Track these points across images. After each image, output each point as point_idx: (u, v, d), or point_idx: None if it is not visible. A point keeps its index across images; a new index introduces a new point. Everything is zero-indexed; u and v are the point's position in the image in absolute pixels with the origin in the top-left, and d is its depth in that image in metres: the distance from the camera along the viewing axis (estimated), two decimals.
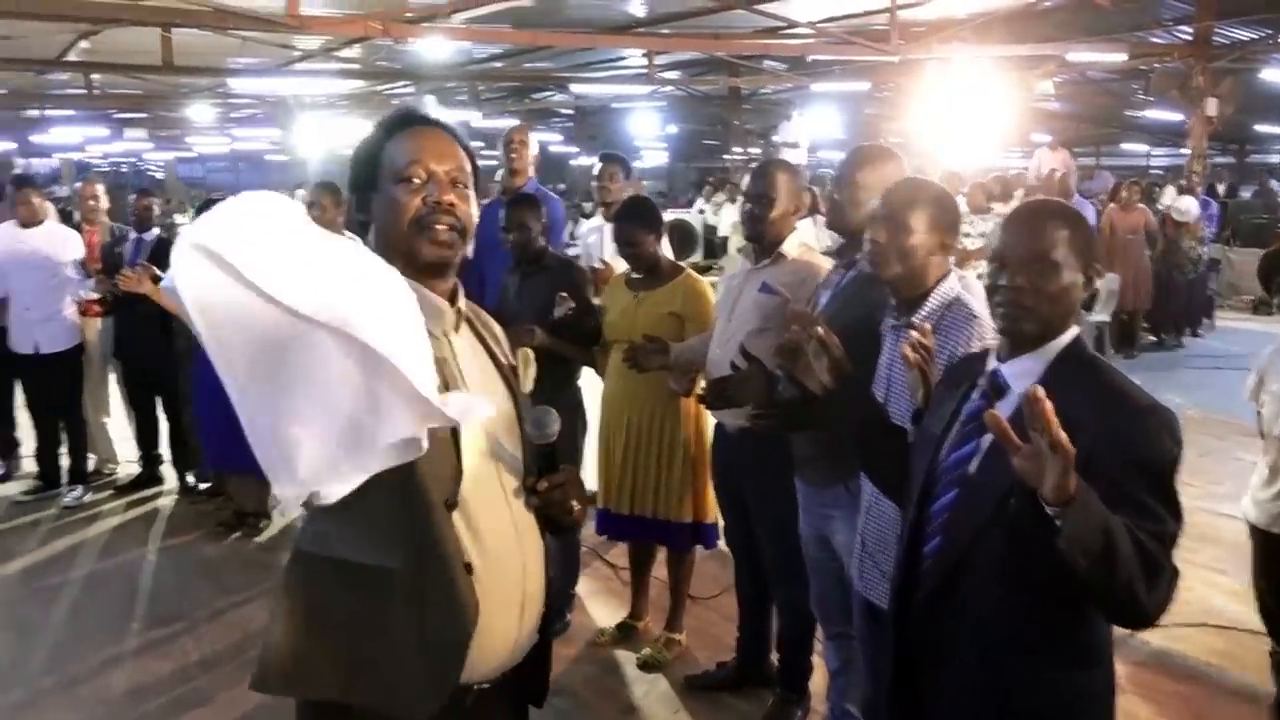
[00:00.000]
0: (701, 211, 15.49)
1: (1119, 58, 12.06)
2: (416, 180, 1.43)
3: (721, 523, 3.30)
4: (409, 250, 1.42)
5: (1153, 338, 9.83)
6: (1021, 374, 1.55)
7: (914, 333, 1.92)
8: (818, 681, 3.08)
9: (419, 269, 1.42)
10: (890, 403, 2.09)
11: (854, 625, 2.42)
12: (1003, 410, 1.45)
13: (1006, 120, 11.57)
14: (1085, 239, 1.57)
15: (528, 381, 1.60)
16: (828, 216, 2.56)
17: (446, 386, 1.36)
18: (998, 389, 1.57)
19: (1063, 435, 1.21)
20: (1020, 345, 1.57)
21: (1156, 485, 1.39)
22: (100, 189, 5.65)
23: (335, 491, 1.15)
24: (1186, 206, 9.88)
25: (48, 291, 5.02)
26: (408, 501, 1.34)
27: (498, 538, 1.44)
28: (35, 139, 20.32)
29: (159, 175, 30.13)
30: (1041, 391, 1.22)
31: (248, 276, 1.02)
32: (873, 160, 2.48)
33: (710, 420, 3.21)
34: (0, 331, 5.17)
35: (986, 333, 1.91)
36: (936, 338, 1.96)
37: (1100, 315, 8.62)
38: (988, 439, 1.52)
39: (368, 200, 1.50)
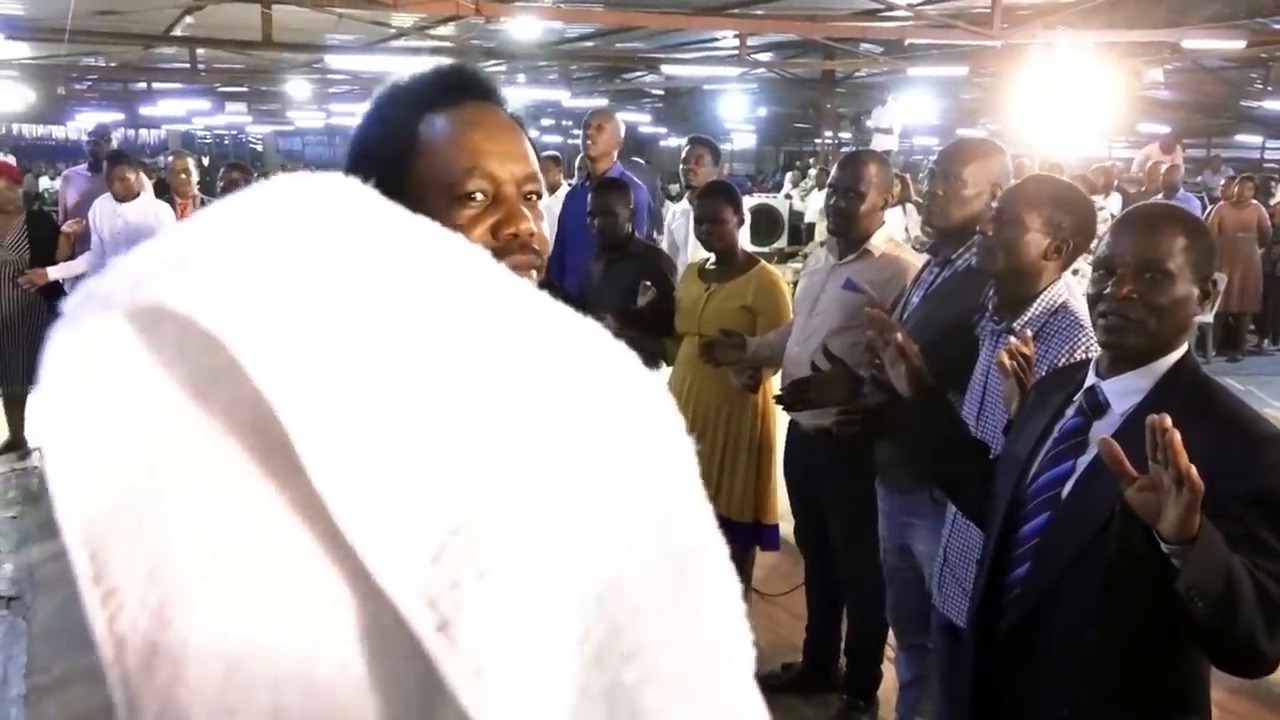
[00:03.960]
0: (788, 197, 15.27)
1: (1237, 45, 11.45)
2: (480, 197, 0.96)
3: (791, 523, 3.21)
4: None
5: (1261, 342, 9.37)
6: (1123, 392, 1.43)
7: (1013, 339, 1.81)
8: (886, 690, 2.98)
9: None
10: (985, 411, 1.98)
11: (931, 640, 2.32)
12: (1101, 431, 1.35)
13: (1112, 109, 11.12)
14: (1205, 249, 1.43)
15: None
16: (924, 212, 2.44)
17: None
18: (1096, 407, 1.45)
19: (1193, 469, 1.10)
20: (1123, 361, 1.45)
21: (1278, 521, 1.27)
22: (190, 163, 5.75)
23: None
24: None
25: None
26: None
27: None
28: (143, 111, 21.04)
29: (258, 148, 30.99)
30: (1169, 419, 1.11)
31: None
32: (978, 154, 2.35)
33: (780, 418, 3.12)
34: None
35: (1093, 345, 1.79)
36: (1037, 346, 1.84)
37: (1204, 316, 8.23)
38: (1085, 460, 1.41)
39: None
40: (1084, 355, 1.78)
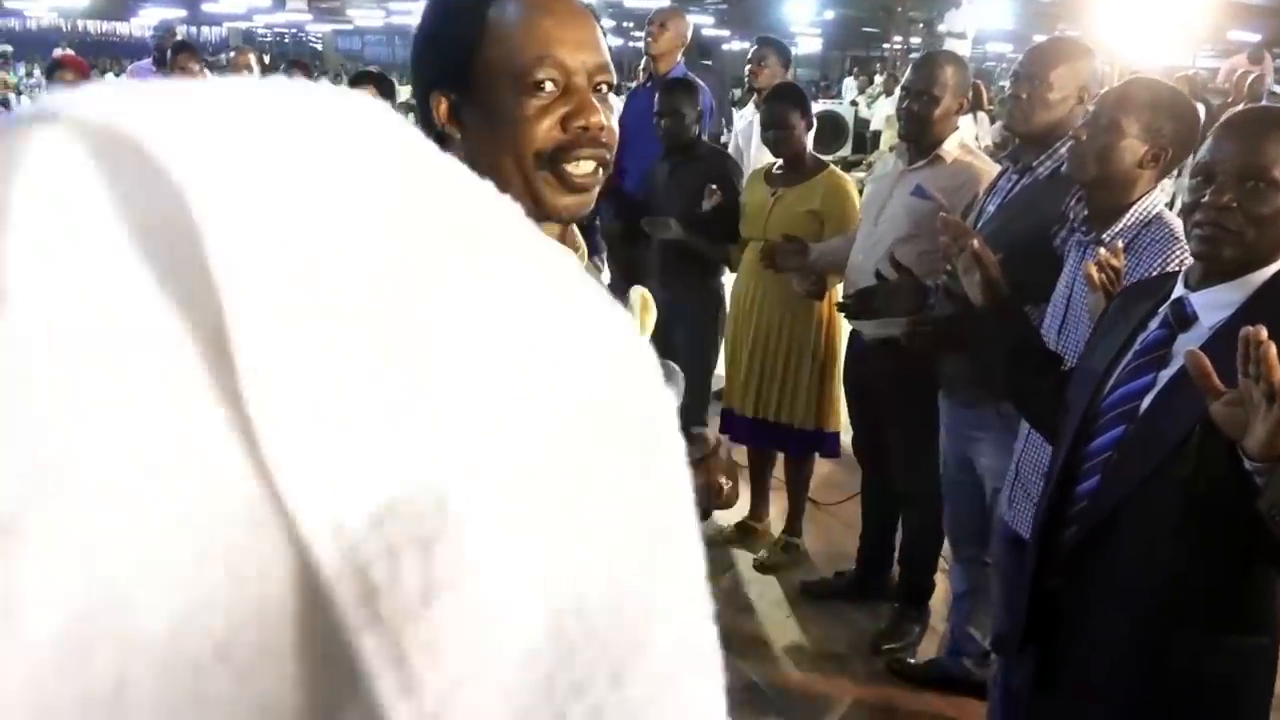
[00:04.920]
0: (854, 104, 14.87)
1: None
2: (550, 87, 0.94)
3: (849, 433, 3.20)
4: (532, 193, 0.95)
5: None
6: (1213, 305, 1.37)
7: (1102, 251, 1.74)
8: (937, 601, 3.00)
9: (541, 218, 0.97)
10: (1067, 325, 1.92)
11: (992, 554, 2.31)
12: (1187, 345, 1.31)
13: (1200, 15, 10.58)
14: None
15: (646, 330, 1.37)
16: (1006, 116, 2.35)
17: None
18: (1183, 319, 1.40)
19: None
20: (1216, 273, 1.39)
21: None
22: (252, 58, 5.74)
23: None
24: None
25: None
26: None
27: None
28: (205, 7, 21.02)
29: (318, 47, 30.88)
30: (1264, 332, 1.07)
31: None
32: (1067, 56, 2.23)
33: (843, 326, 3.08)
34: None
35: (1187, 259, 1.71)
36: (1128, 259, 1.77)
37: None
38: (1166, 374, 1.36)
39: (454, 104, 0.98)
40: (1177, 269, 1.71)
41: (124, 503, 0.31)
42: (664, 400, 0.36)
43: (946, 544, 2.82)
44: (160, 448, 0.32)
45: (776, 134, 3.14)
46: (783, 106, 3.14)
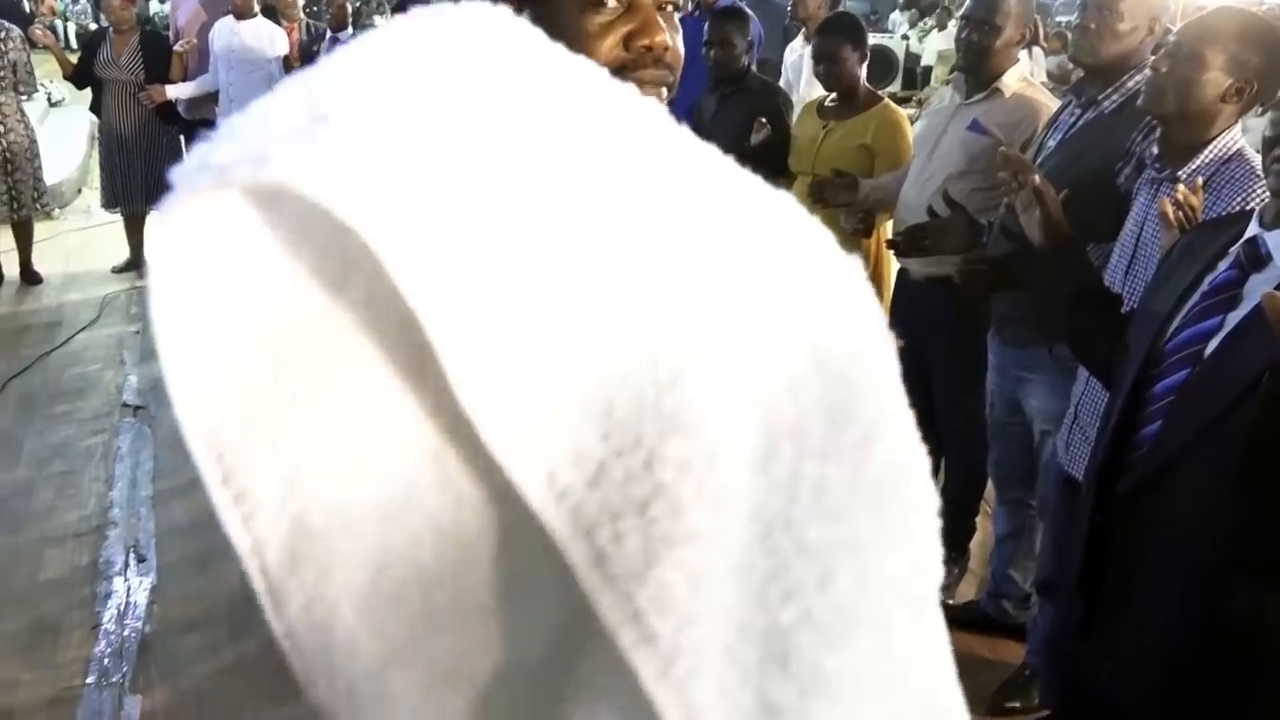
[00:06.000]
0: (905, 38, 14.47)
1: None
2: (614, 3, 0.93)
3: None
4: None
5: None
6: None
7: (1180, 188, 1.67)
8: (977, 543, 2.99)
9: None
10: (1135, 267, 1.86)
11: (1040, 497, 2.28)
12: (1260, 286, 1.25)
13: None
14: None
15: None
16: (1073, 47, 2.25)
17: None
18: (1256, 260, 1.34)
19: None
20: None
21: None
22: None
23: None
24: None
25: (250, 86, 5.16)
26: None
27: None
28: None
29: None
30: None
31: None
32: None
33: (892, 264, 3.02)
34: (210, 124, 5.41)
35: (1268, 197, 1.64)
36: (1206, 197, 1.70)
37: None
38: (1235, 316, 1.31)
39: None
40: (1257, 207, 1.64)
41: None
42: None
43: (989, 486, 2.80)
44: (371, 430, 0.37)
45: (828, 67, 3.05)
46: (834, 39, 3.04)
